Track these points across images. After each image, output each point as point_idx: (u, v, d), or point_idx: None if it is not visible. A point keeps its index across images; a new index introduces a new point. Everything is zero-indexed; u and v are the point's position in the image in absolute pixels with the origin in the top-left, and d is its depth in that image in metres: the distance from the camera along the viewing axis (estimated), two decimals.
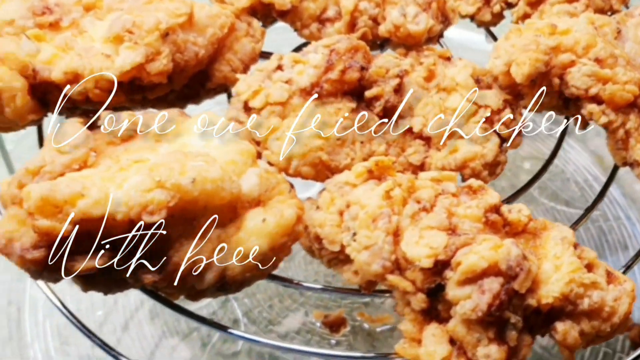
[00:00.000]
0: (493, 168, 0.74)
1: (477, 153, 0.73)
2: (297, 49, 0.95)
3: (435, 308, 0.62)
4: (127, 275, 0.59)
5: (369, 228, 0.62)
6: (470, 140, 0.73)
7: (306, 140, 0.70)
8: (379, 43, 0.85)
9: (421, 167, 0.74)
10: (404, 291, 0.62)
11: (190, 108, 0.80)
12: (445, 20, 0.86)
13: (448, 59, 0.79)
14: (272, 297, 1.03)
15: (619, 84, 0.73)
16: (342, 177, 0.68)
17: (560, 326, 0.62)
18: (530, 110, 0.77)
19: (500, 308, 0.58)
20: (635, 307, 0.66)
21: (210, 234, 0.61)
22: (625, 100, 0.74)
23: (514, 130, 0.75)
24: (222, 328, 0.68)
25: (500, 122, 0.74)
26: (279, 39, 0.95)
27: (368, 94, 0.73)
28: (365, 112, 0.73)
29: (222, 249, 0.61)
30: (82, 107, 0.74)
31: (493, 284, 0.59)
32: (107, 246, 0.57)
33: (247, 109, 0.72)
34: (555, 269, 0.62)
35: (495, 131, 0.74)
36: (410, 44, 0.82)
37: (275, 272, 0.66)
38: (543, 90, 0.75)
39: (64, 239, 0.57)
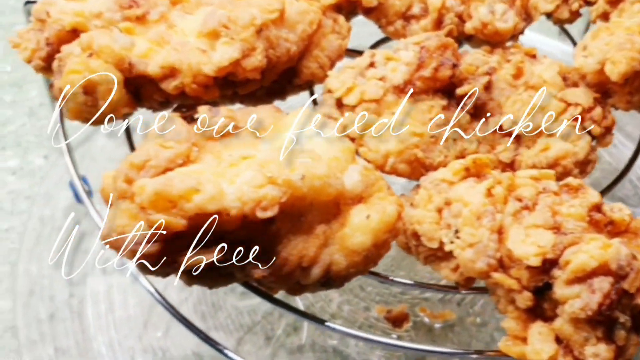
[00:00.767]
0: (584, 166, 0.74)
1: (569, 151, 0.73)
2: (374, 46, 0.96)
3: (541, 306, 0.62)
4: (237, 270, 0.60)
5: (473, 226, 0.62)
6: (562, 138, 0.73)
7: (403, 137, 0.70)
8: (460, 40, 0.85)
9: (511, 165, 0.74)
10: (509, 289, 0.61)
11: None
12: (528, 17, 0.86)
13: (534, 56, 0.79)
14: (332, 291, 1.03)
15: None
16: (438, 174, 0.68)
17: None
18: (621, 109, 0.77)
19: (611, 307, 0.58)
20: None
21: (316, 229, 0.61)
22: None
23: (605, 128, 0.75)
24: (320, 322, 0.68)
25: (592, 120, 0.74)
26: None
27: (459, 91, 0.73)
28: (457, 109, 0.73)
29: (327, 244, 0.62)
30: (175, 102, 0.74)
31: (603, 284, 0.58)
32: (222, 242, 0.58)
33: (340, 106, 0.72)
34: None
35: (586, 129, 0.74)
36: (495, 41, 0.82)
37: None
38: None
39: (179, 233, 0.57)
